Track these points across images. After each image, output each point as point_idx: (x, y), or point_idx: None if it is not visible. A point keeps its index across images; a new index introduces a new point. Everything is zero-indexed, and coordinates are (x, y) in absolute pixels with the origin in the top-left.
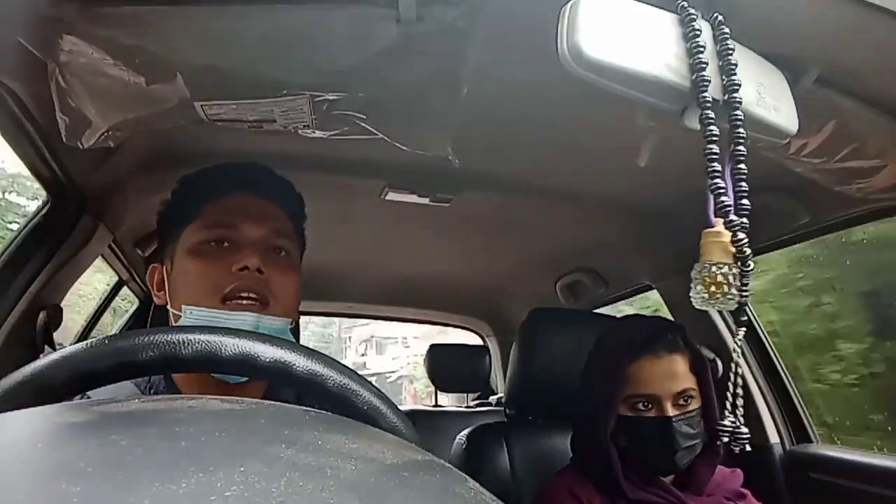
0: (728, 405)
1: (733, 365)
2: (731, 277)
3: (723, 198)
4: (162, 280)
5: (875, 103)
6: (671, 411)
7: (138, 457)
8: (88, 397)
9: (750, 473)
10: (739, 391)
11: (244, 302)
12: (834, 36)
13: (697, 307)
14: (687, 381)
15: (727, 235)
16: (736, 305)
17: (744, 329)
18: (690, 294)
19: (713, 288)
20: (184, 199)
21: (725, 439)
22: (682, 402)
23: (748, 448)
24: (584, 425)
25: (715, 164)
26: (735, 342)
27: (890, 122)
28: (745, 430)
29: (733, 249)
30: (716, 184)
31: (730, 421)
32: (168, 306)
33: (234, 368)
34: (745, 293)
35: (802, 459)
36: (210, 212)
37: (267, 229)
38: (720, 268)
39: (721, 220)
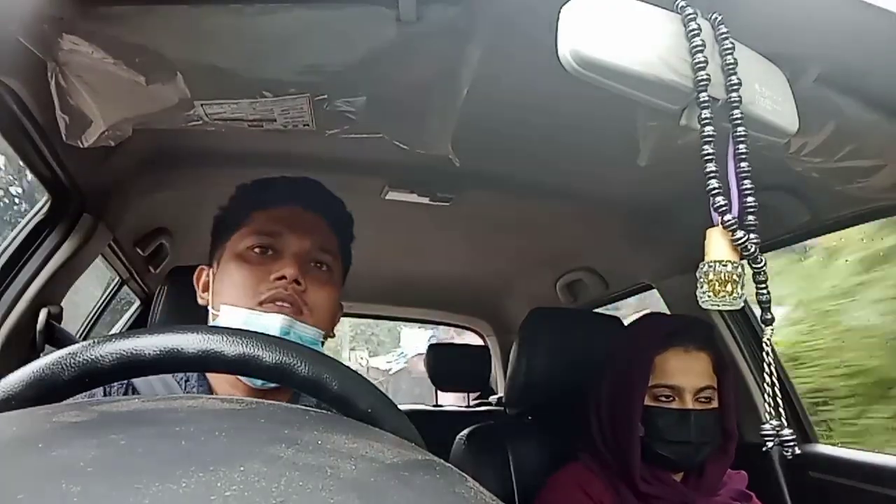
0: (768, 408)
1: (765, 366)
2: (736, 276)
3: (719, 198)
4: (208, 282)
5: (875, 103)
6: (692, 405)
7: (138, 457)
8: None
9: (750, 473)
10: (778, 392)
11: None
12: (834, 35)
13: (704, 307)
14: (709, 379)
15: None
16: (742, 305)
17: (771, 329)
18: (697, 293)
19: (718, 287)
20: (237, 206)
21: (770, 444)
22: (702, 398)
23: (797, 451)
24: (606, 414)
25: (711, 164)
26: (765, 342)
27: (890, 122)
28: (788, 432)
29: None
30: (711, 184)
31: (773, 425)
32: (209, 307)
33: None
34: (763, 291)
35: (802, 459)
36: (259, 219)
37: (311, 242)
38: (725, 266)
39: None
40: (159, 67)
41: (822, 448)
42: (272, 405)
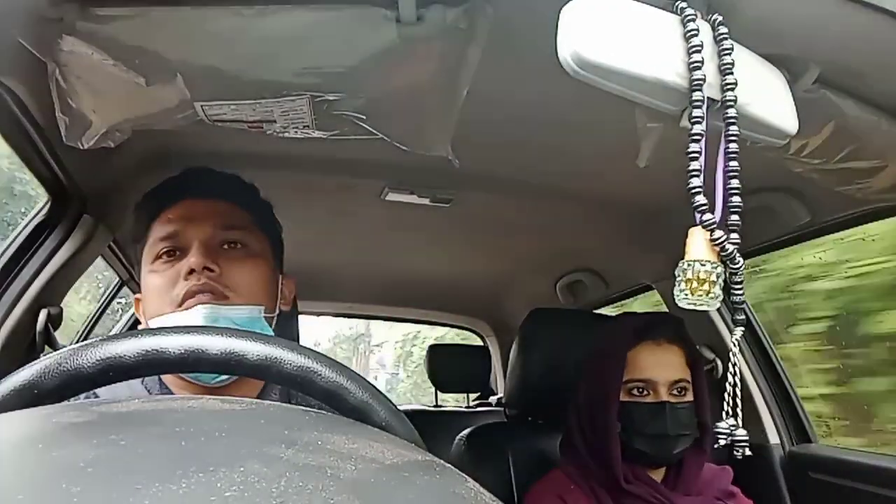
0: (727, 407)
1: (730, 365)
2: (714, 276)
3: (698, 196)
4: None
5: (875, 103)
6: (667, 398)
7: (138, 457)
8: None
9: (750, 473)
10: (738, 392)
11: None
12: (834, 36)
13: (680, 306)
14: (683, 372)
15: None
16: (718, 305)
17: (741, 329)
18: (674, 291)
19: (695, 285)
20: (136, 227)
21: (723, 442)
22: (676, 391)
23: (748, 452)
24: (585, 413)
25: (695, 163)
26: (732, 342)
27: (890, 123)
28: (742, 432)
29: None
30: (693, 183)
31: (728, 424)
32: None
33: (220, 368)
34: (738, 292)
35: (802, 459)
36: (156, 228)
37: (211, 226)
38: (703, 265)
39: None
40: (159, 68)
41: (822, 448)
42: (272, 405)
